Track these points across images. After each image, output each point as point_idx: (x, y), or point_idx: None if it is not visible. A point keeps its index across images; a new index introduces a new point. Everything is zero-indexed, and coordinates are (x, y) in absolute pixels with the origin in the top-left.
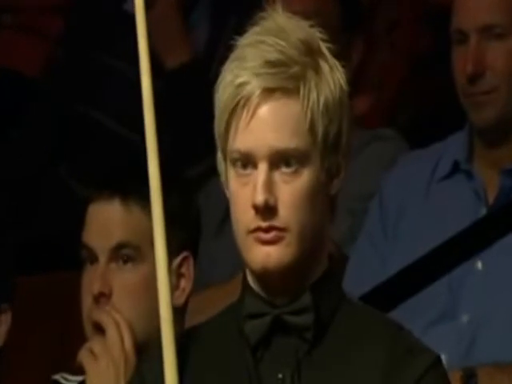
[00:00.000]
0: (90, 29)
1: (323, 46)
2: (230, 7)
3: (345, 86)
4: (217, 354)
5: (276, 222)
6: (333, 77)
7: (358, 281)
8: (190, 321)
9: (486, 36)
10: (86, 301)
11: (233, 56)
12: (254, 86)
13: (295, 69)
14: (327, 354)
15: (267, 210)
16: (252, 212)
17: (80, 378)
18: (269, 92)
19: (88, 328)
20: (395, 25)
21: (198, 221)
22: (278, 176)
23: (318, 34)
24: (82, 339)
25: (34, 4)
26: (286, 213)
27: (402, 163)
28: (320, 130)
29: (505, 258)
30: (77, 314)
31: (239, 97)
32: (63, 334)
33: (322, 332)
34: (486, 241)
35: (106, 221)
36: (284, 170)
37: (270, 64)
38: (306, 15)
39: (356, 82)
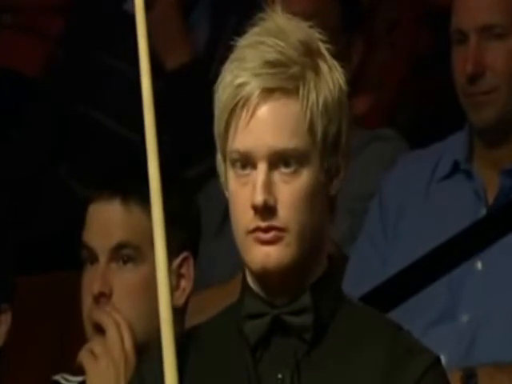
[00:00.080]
0: (90, 29)
1: (322, 47)
2: (230, 7)
3: (344, 87)
4: (216, 354)
5: (275, 222)
6: (332, 77)
7: (357, 281)
8: (190, 321)
9: (485, 36)
10: (86, 301)
11: (232, 57)
12: (254, 87)
13: (294, 69)
14: (327, 354)
15: (266, 210)
16: (251, 212)
17: (80, 379)
18: (268, 92)
19: (88, 328)
20: (395, 25)
21: (198, 221)
22: (277, 176)
23: (318, 35)
24: (82, 339)
25: (34, 4)
26: (286, 213)
27: (402, 163)
28: (319, 130)
29: (505, 258)
30: (77, 313)
31: (239, 97)
32: (63, 333)
33: (321, 332)
34: (485, 241)
35: (107, 221)
36: (283, 170)
37: (270, 64)
38: (305, 16)
39: (356, 82)
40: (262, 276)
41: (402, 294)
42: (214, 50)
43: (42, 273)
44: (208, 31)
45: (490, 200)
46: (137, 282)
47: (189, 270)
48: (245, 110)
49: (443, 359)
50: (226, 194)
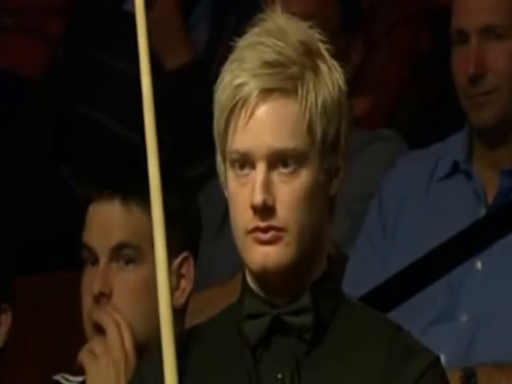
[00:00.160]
0: (90, 29)
1: (322, 47)
2: (230, 8)
3: (343, 87)
4: (216, 354)
5: (274, 222)
6: (331, 78)
7: (357, 281)
8: (190, 321)
9: (486, 36)
10: (87, 301)
11: (232, 57)
12: (252, 87)
13: (293, 69)
14: (326, 354)
15: (265, 210)
16: (250, 212)
17: (80, 379)
18: (267, 92)
19: (88, 328)
20: (395, 25)
21: (198, 221)
22: (276, 176)
23: (318, 35)
24: (82, 339)
25: (34, 4)
26: (285, 213)
27: (402, 163)
28: (318, 130)
29: (504, 258)
30: (77, 313)
31: (238, 97)
32: (63, 333)
33: (321, 332)
34: (485, 241)
35: (107, 221)
36: (282, 170)
37: (269, 65)
38: (305, 16)
39: (356, 83)
40: (262, 276)
41: (401, 293)
42: (213, 51)
43: (42, 273)
44: (208, 32)
45: (490, 200)
46: (137, 282)
47: (189, 269)
48: (244, 111)
49: (443, 359)
50: (226, 194)
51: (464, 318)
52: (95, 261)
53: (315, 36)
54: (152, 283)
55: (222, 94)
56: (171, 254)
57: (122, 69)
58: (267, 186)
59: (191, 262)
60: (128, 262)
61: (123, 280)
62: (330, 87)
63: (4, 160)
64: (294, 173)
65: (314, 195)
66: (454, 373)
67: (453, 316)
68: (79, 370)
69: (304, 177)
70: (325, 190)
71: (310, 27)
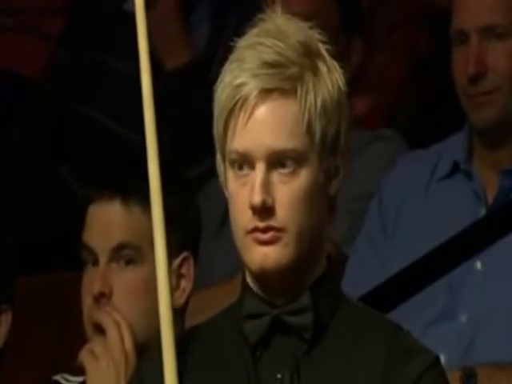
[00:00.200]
0: (90, 29)
1: (322, 48)
2: (230, 8)
3: (343, 87)
4: (216, 354)
5: (273, 223)
6: (331, 78)
7: (357, 281)
8: (190, 321)
9: (486, 36)
10: (87, 301)
11: (232, 57)
12: (252, 87)
13: (293, 70)
14: (326, 354)
15: (265, 211)
16: (250, 212)
17: (80, 379)
18: (266, 93)
19: (88, 328)
20: (395, 25)
21: (198, 221)
22: (275, 176)
23: (317, 36)
24: (82, 339)
25: (34, 4)
26: (284, 213)
27: (402, 163)
28: (318, 131)
29: (504, 258)
30: (77, 314)
31: (237, 97)
32: (63, 333)
33: (321, 332)
34: (485, 241)
35: (107, 221)
36: (281, 170)
37: (268, 65)
38: (305, 16)
39: (356, 83)
40: (261, 276)
41: (401, 293)
42: (213, 51)
43: (42, 273)
44: (208, 32)
45: (490, 200)
46: (137, 282)
47: (189, 270)
48: (243, 111)
49: (443, 359)
50: (226, 194)
51: (464, 317)
52: (95, 261)
53: (315, 36)
54: (152, 283)
55: (221, 94)
56: (171, 254)
57: (122, 69)
58: (266, 187)
59: (191, 262)
60: (128, 262)
61: (123, 280)
62: (330, 87)
63: (4, 160)
64: (293, 173)
65: (314, 195)
66: (454, 373)
67: (453, 316)
68: (79, 370)
69: (303, 177)
70: (324, 190)
71: (310, 27)
